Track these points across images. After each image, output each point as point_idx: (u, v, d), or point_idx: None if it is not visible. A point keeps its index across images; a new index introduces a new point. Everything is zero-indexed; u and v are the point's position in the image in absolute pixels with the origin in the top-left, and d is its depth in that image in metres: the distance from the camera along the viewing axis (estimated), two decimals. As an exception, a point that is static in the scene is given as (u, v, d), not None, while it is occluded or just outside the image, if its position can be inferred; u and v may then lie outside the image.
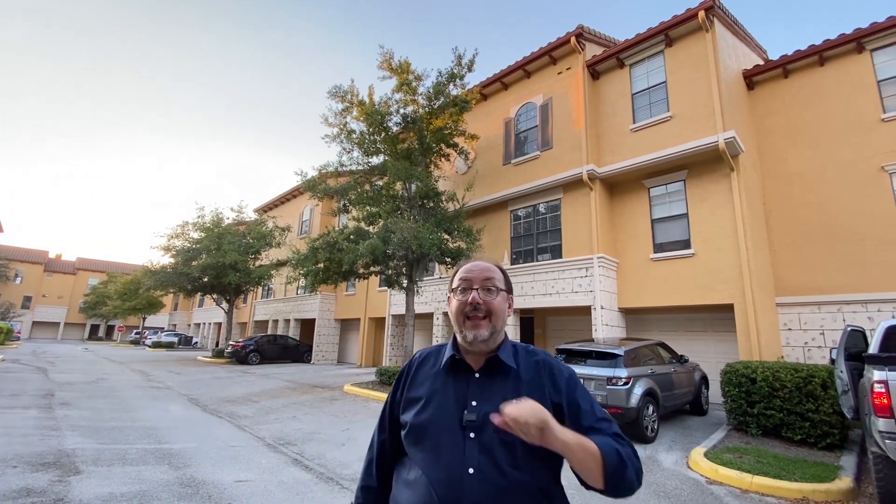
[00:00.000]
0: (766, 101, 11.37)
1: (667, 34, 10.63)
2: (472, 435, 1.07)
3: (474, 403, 1.12)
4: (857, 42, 10.06)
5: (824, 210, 9.96)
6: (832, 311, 9.45)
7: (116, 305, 38.24)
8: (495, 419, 0.97)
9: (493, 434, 1.06)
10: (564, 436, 0.96)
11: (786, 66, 10.99)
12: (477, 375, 1.18)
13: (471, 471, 1.03)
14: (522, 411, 0.94)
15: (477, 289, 1.18)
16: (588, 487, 1.05)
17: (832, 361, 5.96)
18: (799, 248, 10.16)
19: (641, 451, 6.30)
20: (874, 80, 9.87)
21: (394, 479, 1.20)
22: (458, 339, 1.20)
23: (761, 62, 12.49)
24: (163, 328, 45.31)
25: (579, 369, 7.17)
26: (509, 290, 1.26)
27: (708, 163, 10.06)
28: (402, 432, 1.19)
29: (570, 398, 1.16)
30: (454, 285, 1.24)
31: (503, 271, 1.27)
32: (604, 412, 1.18)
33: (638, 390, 6.72)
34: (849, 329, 5.55)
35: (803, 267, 10.01)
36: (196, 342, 37.71)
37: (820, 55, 10.51)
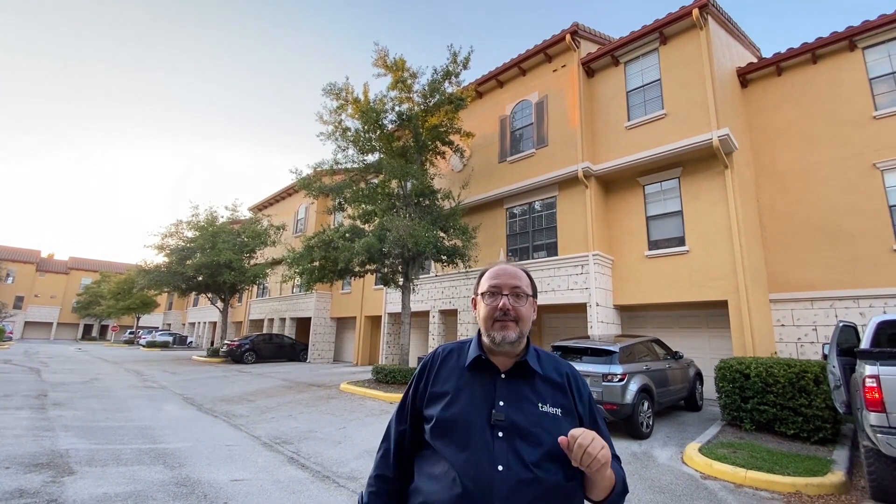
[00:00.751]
0: (760, 98, 11.42)
1: (661, 32, 10.66)
2: (500, 434, 1.11)
3: (502, 403, 1.15)
4: (850, 40, 10.12)
5: (817, 207, 10.04)
6: (825, 307, 9.54)
7: (110, 305, 37.96)
8: (561, 440, 1.02)
9: (521, 434, 1.11)
10: (609, 471, 1.05)
11: (779, 64, 11.04)
12: (503, 376, 1.20)
13: (500, 468, 1.07)
14: (593, 444, 0.99)
15: (507, 294, 1.21)
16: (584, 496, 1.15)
17: (825, 357, 6.03)
18: (792, 244, 10.24)
19: (636, 446, 6.35)
20: (866, 78, 9.94)
21: (416, 470, 1.21)
22: (486, 340, 1.23)
23: (755, 60, 12.56)
24: (157, 328, 45.07)
25: (575, 366, 7.18)
26: (535, 294, 1.29)
27: (702, 160, 10.11)
28: (428, 425, 1.20)
29: (593, 417, 1.24)
30: (482, 289, 1.26)
31: (529, 276, 1.30)
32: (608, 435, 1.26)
33: (633, 387, 6.75)
34: (841, 325, 5.61)
35: (796, 263, 10.08)
36: (191, 342, 37.51)
37: (813, 53, 10.57)
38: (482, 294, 1.26)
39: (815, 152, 10.30)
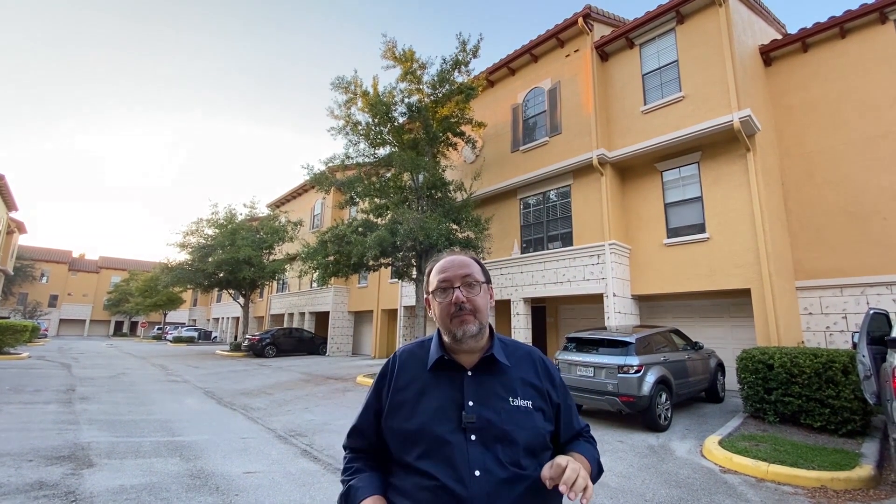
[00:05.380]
0: (785, 77, 10.92)
1: (678, 10, 10.26)
2: (472, 437, 1.06)
3: (471, 404, 1.09)
4: (880, 12, 9.55)
5: (846, 189, 9.57)
6: (855, 294, 9.12)
7: (138, 302, 39.18)
8: (544, 475, 0.99)
9: (495, 435, 1.06)
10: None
11: (805, 40, 10.51)
12: (469, 374, 1.14)
13: (477, 473, 1.02)
14: (577, 482, 0.95)
15: (458, 286, 1.14)
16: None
17: (854, 346, 5.74)
18: (819, 229, 9.80)
19: (654, 439, 6.20)
20: (899, 51, 9.38)
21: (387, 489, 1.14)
22: (446, 338, 1.16)
23: (779, 37, 11.99)
24: (183, 323, 46.39)
25: (590, 358, 7.06)
26: (488, 280, 1.23)
27: (722, 143, 9.74)
28: (395, 439, 1.12)
29: (565, 400, 1.22)
30: (433, 287, 1.18)
31: (479, 262, 1.24)
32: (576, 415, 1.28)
33: (650, 378, 6.58)
34: (871, 312, 5.31)
35: (824, 249, 9.65)
36: (215, 336, 38.51)
37: (841, 27, 10.03)
38: (433, 292, 1.18)
39: (844, 132, 9.80)
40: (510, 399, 1.11)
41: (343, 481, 1.16)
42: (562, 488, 0.94)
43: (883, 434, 5.88)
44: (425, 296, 1.24)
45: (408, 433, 1.09)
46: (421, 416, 1.09)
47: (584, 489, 0.94)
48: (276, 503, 3.94)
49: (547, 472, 0.98)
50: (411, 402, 1.12)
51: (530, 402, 1.12)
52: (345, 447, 1.24)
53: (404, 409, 1.12)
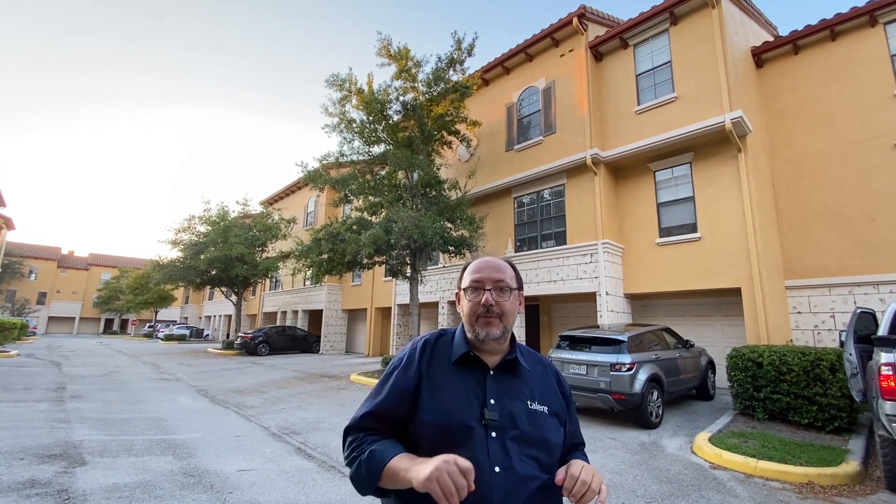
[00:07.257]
0: (776, 79, 11.04)
1: (671, 12, 10.34)
2: (493, 434, 1.08)
3: (492, 402, 1.12)
4: (871, 15, 9.70)
5: (835, 190, 9.72)
6: (843, 294, 9.27)
7: (129, 299, 38.77)
8: (558, 479, 1.05)
9: (513, 434, 1.09)
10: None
11: (796, 43, 10.64)
12: (492, 373, 1.17)
13: (497, 469, 1.04)
14: (594, 481, 1.04)
15: (489, 289, 1.17)
16: None
17: (842, 344, 5.85)
18: (809, 229, 9.94)
19: (645, 436, 6.28)
20: (887, 55, 9.52)
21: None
22: (469, 336, 1.19)
23: (771, 38, 12.13)
24: (175, 321, 45.99)
25: (583, 356, 7.13)
26: (520, 286, 1.25)
27: (715, 144, 9.84)
28: (419, 428, 1.11)
29: (572, 413, 1.29)
30: (465, 284, 1.22)
31: (514, 268, 1.26)
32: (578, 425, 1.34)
33: (642, 376, 6.66)
34: (858, 311, 5.42)
35: (813, 249, 9.80)
36: (207, 334, 38.25)
37: (831, 30, 10.16)
38: (465, 289, 1.21)
39: (834, 133, 9.94)
40: (528, 402, 1.15)
41: (354, 455, 1.10)
42: (571, 499, 1.02)
43: (869, 431, 6.00)
44: (457, 290, 1.27)
45: (431, 424, 1.09)
46: (445, 408, 1.10)
47: (596, 488, 1.03)
48: (271, 501, 3.95)
49: (561, 476, 1.04)
50: (437, 394, 1.13)
51: (546, 408, 1.17)
52: (350, 428, 1.17)
53: (426, 400, 1.13)
